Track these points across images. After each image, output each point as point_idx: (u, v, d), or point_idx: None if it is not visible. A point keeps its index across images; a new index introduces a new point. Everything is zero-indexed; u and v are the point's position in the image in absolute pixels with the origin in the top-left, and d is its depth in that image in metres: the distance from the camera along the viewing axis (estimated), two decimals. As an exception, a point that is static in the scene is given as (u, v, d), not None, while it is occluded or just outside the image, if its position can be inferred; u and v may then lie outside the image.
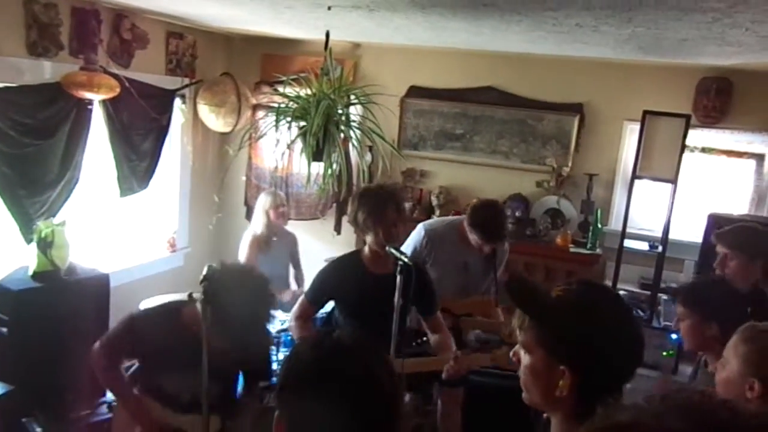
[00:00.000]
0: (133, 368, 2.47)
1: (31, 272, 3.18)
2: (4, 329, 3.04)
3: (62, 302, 3.15)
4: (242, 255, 4.22)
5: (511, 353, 1.31)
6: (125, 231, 4.38)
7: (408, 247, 3.33)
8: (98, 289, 3.40)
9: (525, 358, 1.27)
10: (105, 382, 2.48)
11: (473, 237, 3.23)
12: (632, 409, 0.73)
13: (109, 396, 3.23)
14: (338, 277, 2.90)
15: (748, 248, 2.55)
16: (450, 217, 3.81)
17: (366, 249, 2.89)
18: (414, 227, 3.54)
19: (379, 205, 2.78)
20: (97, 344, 2.36)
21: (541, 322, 1.23)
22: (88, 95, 3.37)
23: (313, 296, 2.92)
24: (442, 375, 2.80)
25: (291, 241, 4.41)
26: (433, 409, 3.50)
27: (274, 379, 3.41)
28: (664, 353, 3.59)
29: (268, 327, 2.39)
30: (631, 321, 1.25)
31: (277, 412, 1.17)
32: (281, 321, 3.81)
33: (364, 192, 2.92)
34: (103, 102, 3.65)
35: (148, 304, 3.76)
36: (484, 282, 3.49)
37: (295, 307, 2.98)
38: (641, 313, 3.95)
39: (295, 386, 1.17)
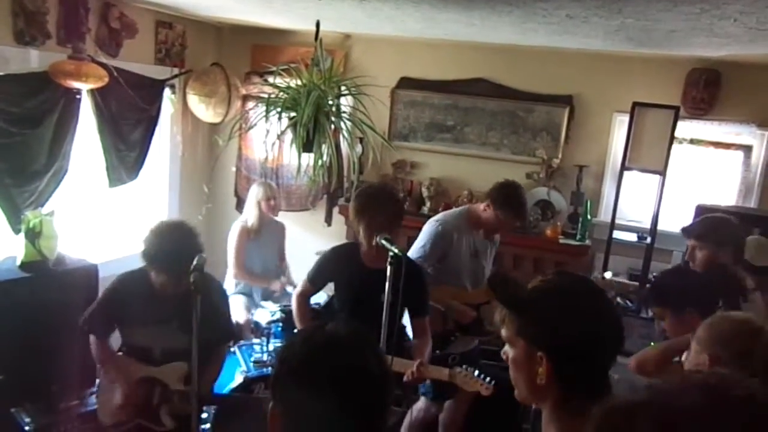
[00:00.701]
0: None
1: (18, 262, 3.17)
2: (-8, 320, 3.03)
3: (50, 293, 3.14)
4: (231, 244, 4.22)
5: (502, 352, 1.34)
6: (114, 222, 4.36)
7: (424, 245, 3.31)
8: (87, 279, 3.39)
9: (510, 353, 1.30)
10: (93, 348, 2.77)
11: (497, 217, 3.24)
12: (648, 388, 0.73)
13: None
14: (335, 264, 3.02)
15: (714, 238, 2.61)
16: (454, 209, 3.81)
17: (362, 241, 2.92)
18: (406, 220, 3.55)
19: (372, 209, 2.83)
20: (85, 317, 2.76)
21: (518, 313, 1.26)
22: (76, 84, 3.34)
23: (312, 277, 3.07)
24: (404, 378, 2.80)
25: (280, 231, 4.40)
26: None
27: (266, 369, 3.43)
28: (651, 344, 3.61)
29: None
30: (606, 309, 1.27)
31: (271, 403, 1.18)
32: (271, 312, 3.82)
33: (360, 190, 3.00)
34: (92, 91, 3.62)
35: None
36: (489, 269, 3.52)
37: (299, 285, 3.17)
38: (629, 304, 3.98)
39: (288, 379, 1.18)
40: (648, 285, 2.64)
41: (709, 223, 2.73)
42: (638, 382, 2.45)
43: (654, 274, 3.69)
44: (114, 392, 2.64)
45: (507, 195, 3.27)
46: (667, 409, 0.70)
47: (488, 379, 2.72)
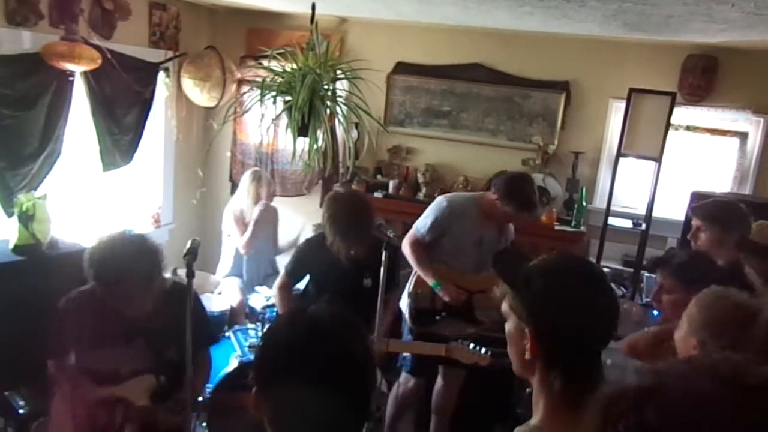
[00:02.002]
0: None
1: (11, 246, 3.15)
2: (-15, 303, 3.02)
3: (44, 276, 3.11)
4: (230, 230, 4.21)
5: (506, 325, 1.35)
6: (109, 206, 4.34)
7: (428, 217, 3.31)
8: (81, 263, 3.33)
9: (506, 326, 1.32)
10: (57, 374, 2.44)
11: (507, 209, 3.19)
12: (654, 372, 0.72)
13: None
14: (312, 254, 3.05)
15: (721, 221, 2.59)
16: (468, 193, 3.80)
17: None
18: (402, 206, 3.56)
19: (345, 226, 2.86)
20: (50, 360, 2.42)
21: (511, 287, 1.29)
22: (68, 66, 3.31)
23: (291, 269, 3.12)
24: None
25: (273, 217, 4.39)
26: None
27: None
28: (646, 329, 3.63)
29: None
30: (601, 293, 1.27)
31: (255, 389, 1.19)
32: (266, 297, 3.82)
33: (334, 204, 2.99)
34: (85, 74, 3.59)
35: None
36: None
37: (278, 278, 3.18)
38: (624, 290, 4.00)
39: (271, 363, 1.19)
40: (671, 253, 2.60)
41: (720, 206, 2.69)
42: (630, 368, 2.46)
43: (673, 247, 3.64)
44: (67, 421, 2.34)
45: (513, 190, 3.19)
46: (676, 396, 0.69)
47: (484, 350, 2.74)
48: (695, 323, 1.71)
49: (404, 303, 3.40)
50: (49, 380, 2.43)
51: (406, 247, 3.25)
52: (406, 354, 3.36)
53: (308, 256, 3.10)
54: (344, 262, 2.88)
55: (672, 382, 0.70)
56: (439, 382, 3.52)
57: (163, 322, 2.24)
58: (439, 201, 3.37)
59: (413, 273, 3.37)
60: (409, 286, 3.37)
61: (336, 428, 1.15)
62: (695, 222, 2.67)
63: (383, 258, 2.68)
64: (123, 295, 2.21)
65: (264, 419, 1.17)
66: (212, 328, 2.86)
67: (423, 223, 3.31)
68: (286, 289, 3.15)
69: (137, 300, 2.24)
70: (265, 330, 1.23)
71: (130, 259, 2.22)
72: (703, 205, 2.72)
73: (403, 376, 3.44)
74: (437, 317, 3.26)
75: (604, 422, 0.73)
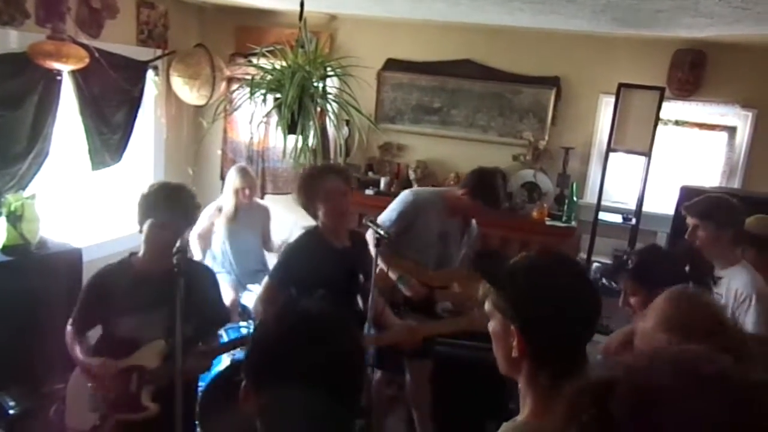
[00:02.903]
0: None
1: (0, 246, 3.13)
2: (-26, 304, 3.00)
3: (33, 277, 3.11)
4: (201, 223, 4.11)
5: (489, 325, 1.35)
6: (98, 205, 4.32)
7: (393, 211, 3.28)
8: (70, 263, 3.36)
9: (490, 325, 1.32)
10: (73, 353, 2.50)
11: (473, 204, 3.20)
12: (620, 365, 0.73)
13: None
14: (300, 254, 2.77)
15: (716, 217, 2.60)
16: (436, 188, 3.80)
17: (321, 225, 2.79)
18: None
19: (317, 179, 2.74)
20: (68, 325, 2.51)
21: (494, 286, 1.28)
22: (56, 65, 3.28)
23: (278, 277, 2.74)
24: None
25: (263, 215, 4.34)
26: (404, 382, 3.55)
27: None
28: (620, 330, 3.65)
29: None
30: (582, 287, 1.28)
31: (244, 382, 1.19)
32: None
33: (303, 172, 2.92)
34: (73, 73, 3.56)
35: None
36: (457, 256, 3.51)
37: (261, 291, 2.85)
38: (614, 285, 4.01)
39: (260, 359, 1.19)
40: (622, 259, 2.61)
41: (712, 202, 2.70)
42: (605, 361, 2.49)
43: (626, 250, 3.68)
44: (87, 397, 2.44)
45: (482, 184, 3.21)
46: (639, 388, 0.70)
47: None
48: (668, 322, 1.69)
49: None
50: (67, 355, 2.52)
51: (370, 240, 3.04)
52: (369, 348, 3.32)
53: (298, 253, 2.80)
54: (335, 256, 2.76)
55: (635, 376, 0.71)
56: (407, 378, 3.51)
57: (188, 298, 2.27)
58: (405, 194, 3.36)
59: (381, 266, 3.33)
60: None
61: (325, 424, 1.15)
62: (690, 220, 2.68)
63: (374, 253, 2.69)
64: (165, 240, 2.39)
65: (253, 413, 1.17)
66: (226, 310, 2.93)
67: (388, 216, 3.25)
68: (273, 301, 2.71)
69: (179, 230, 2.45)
70: (255, 325, 1.23)
71: (176, 201, 2.43)
72: (696, 202, 2.72)
73: (370, 370, 3.39)
74: (396, 311, 3.24)
75: (569, 414, 0.74)
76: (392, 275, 3.18)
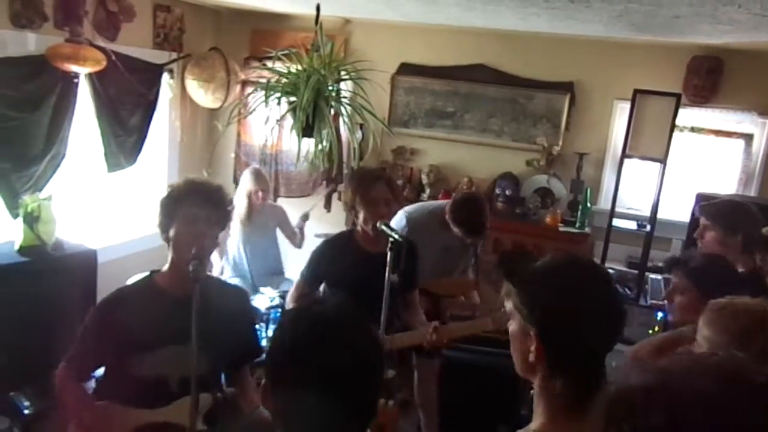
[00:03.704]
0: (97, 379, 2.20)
1: (17, 247, 3.15)
2: (-9, 304, 3.03)
3: (49, 277, 3.13)
4: None
5: (509, 325, 1.34)
6: (113, 207, 4.35)
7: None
8: (85, 265, 3.38)
9: (510, 326, 1.30)
10: (68, 403, 2.07)
11: (456, 231, 3.23)
12: (661, 371, 0.71)
13: (97, 372, 3.21)
14: (332, 255, 2.87)
15: (727, 222, 2.56)
16: (430, 204, 3.78)
17: (359, 228, 2.86)
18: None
19: (366, 183, 2.77)
20: (62, 362, 2.06)
21: (517, 287, 1.26)
22: (73, 68, 3.31)
23: (309, 274, 2.87)
24: (423, 345, 2.83)
25: (277, 215, 4.34)
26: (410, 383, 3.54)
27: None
28: (650, 331, 3.62)
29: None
30: (605, 292, 1.25)
31: (264, 381, 1.19)
32: (270, 298, 3.82)
33: (353, 172, 2.93)
34: (89, 76, 3.59)
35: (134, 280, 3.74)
36: (463, 263, 3.50)
37: (292, 289, 2.95)
38: (628, 292, 3.98)
39: (278, 357, 1.18)
40: (685, 254, 2.55)
41: (728, 206, 2.66)
42: (634, 367, 2.45)
43: (698, 250, 3.58)
44: None
45: (467, 214, 3.21)
46: (680, 395, 0.68)
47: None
48: (714, 339, 1.66)
49: None
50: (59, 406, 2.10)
51: None
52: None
53: (328, 256, 2.87)
54: (365, 260, 2.79)
55: (676, 381, 0.70)
56: (415, 376, 3.50)
57: (215, 322, 1.92)
58: (399, 218, 3.38)
59: None
60: None
61: (341, 425, 1.15)
62: (702, 221, 2.65)
63: (388, 258, 2.68)
64: (197, 233, 2.00)
65: (271, 413, 1.17)
66: (260, 343, 2.43)
67: None
68: (305, 300, 2.82)
69: (207, 242, 2.03)
70: (277, 324, 1.22)
71: (205, 195, 2.08)
72: (712, 204, 2.69)
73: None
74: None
75: (608, 422, 0.72)
76: None
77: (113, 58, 3.61)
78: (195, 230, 2.00)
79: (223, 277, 4.28)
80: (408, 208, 3.53)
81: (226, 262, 4.21)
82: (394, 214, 3.23)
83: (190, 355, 1.81)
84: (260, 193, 4.14)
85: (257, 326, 3.69)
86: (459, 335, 2.96)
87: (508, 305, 1.29)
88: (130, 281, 3.52)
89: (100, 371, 2.17)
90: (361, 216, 2.79)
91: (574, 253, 1.39)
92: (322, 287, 3.02)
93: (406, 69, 4.64)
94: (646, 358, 2.23)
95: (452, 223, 3.22)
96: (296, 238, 4.31)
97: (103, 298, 2.14)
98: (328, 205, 4.84)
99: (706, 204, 2.71)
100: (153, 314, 1.96)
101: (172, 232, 2.04)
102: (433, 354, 3.28)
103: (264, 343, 3.59)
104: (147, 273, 2.15)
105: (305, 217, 4.26)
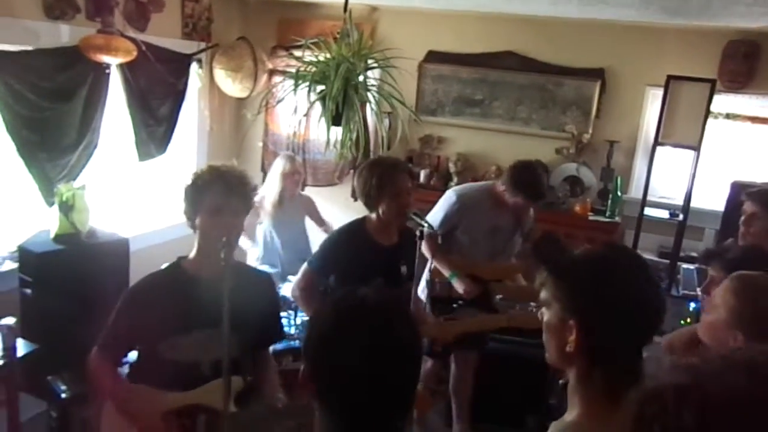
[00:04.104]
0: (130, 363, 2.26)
1: (52, 235, 3.22)
2: (28, 290, 3.10)
3: (83, 265, 3.19)
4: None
5: (539, 312, 1.32)
6: (144, 196, 4.41)
7: (437, 213, 3.29)
8: (118, 252, 3.43)
9: (545, 315, 1.29)
10: (104, 385, 2.12)
11: (515, 199, 3.19)
12: (689, 369, 0.70)
13: (131, 356, 3.28)
14: (345, 248, 2.77)
15: None
16: (479, 183, 3.77)
17: (373, 218, 2.78)
18: (433, 196, 3.53)
19: (389, 174, 2.71)
20: (95, 347, 2.11)
21: (557, 276, 1.24)
22: (105, 59, 3.35)
23: (319, 265, 2.77)
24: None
25: (306, 203, 4.35)
26: (447, 374, 3.55)
27: (294, 342, 3.46)
28: (682, 321, 3.57)
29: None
30: (647, 284, 1.22)
31: (303, 366, 1.19)
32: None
33: (373, 162, 2.85)
34: (121, 66, 3.64)
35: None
36: (511, 247, 3.48)
37: (299, 277, 2.85)
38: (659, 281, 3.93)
39: (317, 344, 1.18)
40: (724, 246, 2.46)
41: None
42: (665, 360, 2.41)
43: (732, 240, 3.49)
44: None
45: (520, 179, 3.17)
46: (713, 395, 0.67)
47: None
48: (739, 316, 1.64)
49: (421, 290, 3.38)
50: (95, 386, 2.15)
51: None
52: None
53: (343, 246, 2.79)
54: (379, 250, 2.77)
55: (708, 380, 0.68)
56: (453, 368, 3.51)
57: (243, 306, 1.91)
58: (449, 196, 3.35)
59: (429, 262, 3.34)
60: (426, 275, 3.33)
61: (382, 410, 1.15)
62: (749, 207, 2.55)
63: (418, 246, 2.68)
64: (224, 224, 2.01)
65: (312, 395, 1.17)
66: (282, 327, 2.49)
67: (433, 218, 3.22)
68: (311, 289, 2.79)
69: (234, 231, 2.05)
70: (314, 310, 1.22)
71: (229, 184, 2.06)
72: (761, 190, 2.59)
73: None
74: (455, 305, 3.24)
75: (639, 422, 0.71)
76: (443, 271, 3.18)
77: (143, 48, 3.64)
78: (221, 221, 2.02)
79: (253, 263, 4.32)
80: (456, 188, 3.51)
81: (255, 247, 4.24)
82: None
83: (222, 339, 1.84)
84: (296, 176, 4.15)
85: (283, 312, 3.74)
86: (494, 326, 2.95)
87: (544, 294, 1.28)
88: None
89: (133, 356, 2.23)
90: (383, 206, 2.72)
91: (613, 243, 1.38)
92: (331, 279, 2.90)
93: (433, 57, 4.61)
94: (680, 348, 2.20)
95: (513, 188, 3.17)
96: (325, 225, 4.32)
97: (132, 284, 2.20)
98: (354, 194, 4.84)
99: (756, 191, 2.60)
100: (182, 299, 2.00)
101: (198, 221, 2.06)
102: (474, 346, 3.28)
103: (293, 330, 3.63)
104: (175, 260, 2.18)
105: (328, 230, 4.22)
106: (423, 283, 3.36)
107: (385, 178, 2.69)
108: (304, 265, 2.86)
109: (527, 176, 3.19)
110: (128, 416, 2.00)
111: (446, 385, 3.59)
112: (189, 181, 2.13)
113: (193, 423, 1.98)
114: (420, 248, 2.62)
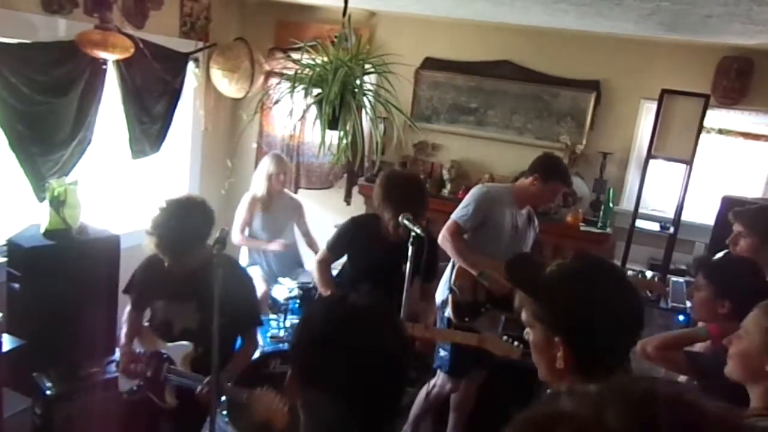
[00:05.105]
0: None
1: (42, 230, 3.20)
2: (16, 285, 3.08)
3: (73, 261, 3.17)
4: (239, 215, 4.21)
5: (524, 333, 1.33)
6: (137, 193, 4.39)
7: (468, 205, 3.31)
8: (109, 249, 3.42)
9: (530, 335, 1.30)
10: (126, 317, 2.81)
11: (547, 187, 3.29)
12: (579, 396, 0.65)
13: (118, 354, 3.27)
14: (354, 234, 3.11)
15: (763, 230, 2.53)
16: (502, 183, 3.88)
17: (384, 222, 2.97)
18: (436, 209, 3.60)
19: (398, 186, 2.92)
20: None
21: (536, 297, 1.26)
22: (102, 54, 3.34)
23: (332, 246, 3.15)
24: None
25: (295, 209, 4.36)
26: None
27: (283, 345, 3.45)
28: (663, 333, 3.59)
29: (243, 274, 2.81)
30: (624, 293, 1.25)
31: (290, 371, 1.19)
32: (289, 289, 3.84)
33: (388, 174, 3.08)
34: (117, 63, 3.63)
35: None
36: (527, 246, 3.50)
37: (318, 255, 3.25)
38: (649, 294, 3.94)
39: (307, 348, 1.18)
40: (712, 254, 2.53)
41: (763, 213, 2.63)
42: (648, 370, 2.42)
43: (724, 251, 3.48)
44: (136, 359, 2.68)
45: (553, 166, 3.33)
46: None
47: (516, 342, 2.69)
48: None
49: (439, 294, 3.38)
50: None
51: (446, 239, 3.21)
52: (443, 353, 3.33)
53: (352, 233, 3.12)
54: (386, 245, 2.93)
55: (586, 410, 0.62)
56: (462, 381, 3.50)
57: (210, 289, 2.24)
58: (478, 187, 3.42)
59: (452, 265, 3.35)
60: (451, 279, 3.33)
61: (367, 419, 1.15)
62: (736, 227, 2.61)
63: (409, 252, 2.68)
64: (170, 253, 2.48)
65: (297, 403, 1.17)
66: (258, 311, 2.89)
67: (464, 212, 3.29)
68: (326, 263, 3.19)
69: (181, 257, 2.50)
70: (304, 314, 1.23)
71: (177, 219, 2.48)
72: (747, 210, 2.65)
73: (441, 377, 3.40)
74: (482, 309, 3.25)
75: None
76: (473, 271, 3.19)
77: (140, 45, 3.63)
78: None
79: (242, 261, 4.30)
80: (487, 184, 3.63)
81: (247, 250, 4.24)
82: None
83: (194, 314, 2.55)
84: (281, 176, 4.15)
85: (273, 315, 3.74)
86: (464, 343, 2.96)
87: (525, 316, 1.29)
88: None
89: None
90: (387, 216, 2.89)
91: (584, 254, 1.38)
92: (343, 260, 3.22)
93: (430, 63, 4.62)
94: (652, 352, 2.21)
95: (548, 175, 3.28)
96: (309, 237, 4.32)
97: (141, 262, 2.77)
98: (348, 198, 4.85)
99: (741, 210, 2.66)
100: (164, 277, 2.58)
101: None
102: (485, 364, 3.28)
103: (282, 333, 3.63)
104: None
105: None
106: (444, 287, 3.36)
107: (394, 191, 2.91)
108: (323, 247, 3.24)
109: (560, 163, 3.39)
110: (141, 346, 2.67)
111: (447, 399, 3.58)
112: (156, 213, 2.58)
113: (161, 366, 2.57)
114: (439, 247, 2.70)
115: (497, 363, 3.54)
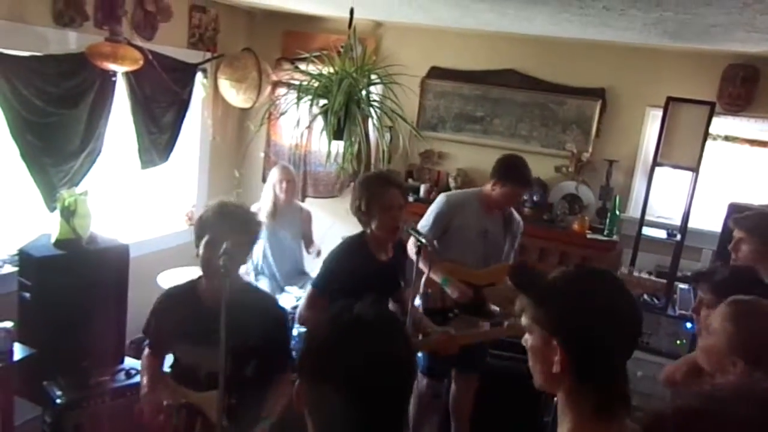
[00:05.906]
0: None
1: (53, 240, 3.23)
2: (27, 294, 3.11)
3: (83, 270, 3.20)
4: None
5: (522, 340, 1.35)
6: (145, 203, 4.43)
7: (429, 215, 3.33)
8: (118, 259, 3.45)
9: (528, 341, 1.32)
10: (143, 374, 2.48)
11: (504, 190, 3.23)
12: (701, 395, 0.70)
13: (127, 363, 3.30)
14: (345, 263, 2.75)
15: (763, 234, 2.53)
16: (468, 189, 3.83)
17: (370, 234, 2.77)
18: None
19: (380, 190, 2.70)
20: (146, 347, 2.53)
21: (535, 301, 1.28)
22: (112, 66, 3.39)
23: (321, 286, 2.73)
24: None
25: (303, 218, 4.37)
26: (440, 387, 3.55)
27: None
28: (678, 342, 3.58)
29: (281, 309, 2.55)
30: (624, 302, 1.27)
31: (297, 381, 1.20)
32: (296, 297, 3.86)
33: (364, 178, 2.83)
34: (127, 74, 3.67)
35: (165, 276, 3.82)
36: (503, 251, 3.49)
37: (304, 299, 2.84)
38: (656, 302, 3.94)
39: (313, 358, 1.19)
40: (713, 267, 2.50)
41: (762, 218, 2.62)
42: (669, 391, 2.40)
43: (718, 262, 3.44)
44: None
45: (507, 168, 3.26)
46: (722, 420, 0.67)
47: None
48: (739, 343, 1.64)
49: (417, 303, 3.40)
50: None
51: (411, 249, 3.06)
52: (419, 354, 3.34)
53: (342, 262, 2.76)
54: (378, 265, 2.78)
55: (717, 406, 0.68)
56: (453, 389, 3.51)
57: (243, 330, 2.08)
58: (439, 198, 3.42)
59: (425, 275, 3.34)
60: (421, 288, 3.33)
61: (373, 427, 1.16)
62: (737, 233, 2.61)
63: (415, 261, 2.71)
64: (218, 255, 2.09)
65: (304, 411, 1.19)
66: (291, 356, 2.53)
67: (425, 222, 3.30)
68: (318, 312, 2.68)
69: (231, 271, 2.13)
70: (311, 325, 1.24)
71: (231, 221, 2.24)
72: (746, 216, 2.65)
73: (419, 375, 3.42)
74: (450, 314, 3.25)
75: None
76: (436, 278, 3.19)
77: (150, 57, 3.69)
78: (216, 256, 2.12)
79: (249, 277, 4.33)
80: (447, 192, 3.58)
81: (250, 262, 4.25)
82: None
83: (218, 355, 2.02)
84: (284, 184, 4.17)
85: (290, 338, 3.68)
86: (472, 341, 2.97)
87: (525, 320, 1.31)
88: (159, 276, 3.61)
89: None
90: (375, 222, 2.72)
91: (586, 264, 1.42)
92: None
93: (436, 73, 4.65)
94: (681, 380, 2.19)
95: (500, 177, 3.23)
96: (313, 246, 4.31)
97: (164, 291, 2.51)
98: (354, 207, 4.86)
99: (740, 216, 2.67)
100: (192, 315, 2.28)
101: (200, 250, 2.25)
102: (475, 367, 3.29)
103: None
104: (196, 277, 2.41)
105: (318, 254, 4.22)
106: (418, 297, 3.38)
107: (375, 194, 2.69)
108: (309, 287, 2.87)
109: (512, 163, 3.28)
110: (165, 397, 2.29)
111: (440, 399, 3.59)
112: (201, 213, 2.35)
113: (194, 420, 2.25)
114: (417, 263, 2.64)
115: (502, 372, 3.57)
